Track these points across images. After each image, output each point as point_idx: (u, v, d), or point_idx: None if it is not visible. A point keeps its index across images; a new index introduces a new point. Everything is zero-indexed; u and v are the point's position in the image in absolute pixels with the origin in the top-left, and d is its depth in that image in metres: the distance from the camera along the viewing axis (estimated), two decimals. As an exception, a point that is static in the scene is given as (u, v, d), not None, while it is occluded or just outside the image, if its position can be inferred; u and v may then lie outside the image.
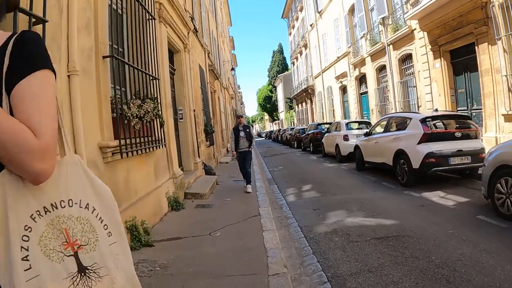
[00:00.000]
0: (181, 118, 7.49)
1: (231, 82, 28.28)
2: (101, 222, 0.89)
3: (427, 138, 5.94)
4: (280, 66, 51.42)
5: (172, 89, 7.16)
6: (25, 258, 0.72)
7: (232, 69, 23.74)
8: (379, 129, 8.06)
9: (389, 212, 4.67)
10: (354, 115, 18.13)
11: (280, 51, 52.32)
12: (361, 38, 16.02)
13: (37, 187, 0.77)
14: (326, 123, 16.71)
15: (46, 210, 0.78)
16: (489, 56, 8.35)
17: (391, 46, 13.17)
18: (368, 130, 8.82)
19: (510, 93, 7.70)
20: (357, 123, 12.25)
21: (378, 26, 14.06)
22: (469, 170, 6.39)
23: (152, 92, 4.59)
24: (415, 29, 11.40)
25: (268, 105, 57.62)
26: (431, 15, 10.08)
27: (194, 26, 9.25)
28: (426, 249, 3.29)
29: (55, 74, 0.83)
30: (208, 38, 13.92)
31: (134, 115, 3.53)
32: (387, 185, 6.57)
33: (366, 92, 16.67)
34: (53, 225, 0.78)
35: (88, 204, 0.87)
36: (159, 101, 4.72)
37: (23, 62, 0.76)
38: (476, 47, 8.74)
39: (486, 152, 4.88)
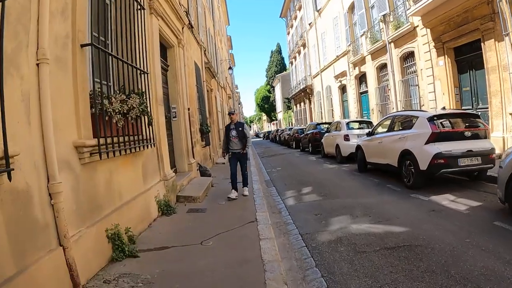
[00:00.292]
0: (175, 117, 7.12)
1: (228, 81, 27.88)
2: None
3: (435, 137, 5.58)
4: (278, 66, 51.11)
5: (165, 86, 6.79)
6: None
7: (230, 68, 23.31)
8: (382, 128, 7.71)
9: (397, 217, 4.30)
10: (353, 115, 17.77)
11: (278, 51, 52.05)
12: (361, 36, 15.68)
13: None
14: (326, 123, 16.36)
15: None
16: (496, 53, 8.04)
17: (392, 44, 12.84)
18: (370, 130, 8.45)
19: (519, 91, 7.39)
20: (358, 123, 11.90)
21: (379, 23, 13.73)
22: (478, 172, 6.07)
23: (141, 87, 4.21)
24: (417, 26, 11.06)
25: (266, 106, 57.28)
26: (434, 11, 9.76)
27: (189, 21, 8.87)
28: (443, 262, 2.93)
29: None
30: (205, 35, 13.55)
31: (116, 111, 3.15)
32: (392, 187, 6.21)
33: (366, 92, 16.33)
34: None
35: None
36: (148, 97, 4.35)
37: None
38: (482, 44, 8.41)
39: (497, 152, 4.58)
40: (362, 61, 15.93)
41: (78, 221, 2.78)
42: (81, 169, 2.87)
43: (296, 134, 19.25)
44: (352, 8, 16.88)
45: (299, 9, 28.02)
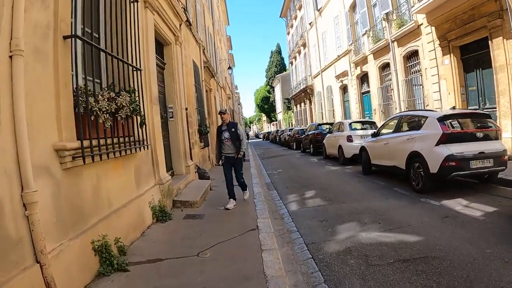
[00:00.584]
0: (172, 117, 6.81)
1: (228, 81, 27.58)
2: None
3: (446, 138, 5.28)
4: (278, 66, 50.82)
5: (161, 85, 6.50)
6: None
7: (229, 68, 23.00)
8: (388, 129, 7.40)
9: (409, 225, 4.00)
10: (355, 115, 17.47)
11: (278, 51, 51.76)
12: (363, 35, 15.39)
13: None
14: (327, 124, 16.06)
15: None
16: (504, 51, 7.77)
17: (395, 42, 12.55)
18: (375, 131, 8.15)
19: (530, 90, 7.11)
20: (361, 123, 11.57)
21: (382, 22, 13.45)
22: (488, 175, 5.77)
23: (133, 85, 3.92)
24: (421, 24, 10.78)
25: (266, 106, 56.97)
26: (439, 9, 9.48)
27: (187, 18, 8.58)
28: (465, 276, 2.64)
29: None
30: (204, 34, 13.25)
31: (103, 109, 2.84)
32: (400, 191, 5.90)
33: (368, 92, 16.03)
34: None
35: None
36: (141, 95, 4.05)
37: None
38: (489, 42, 8.14)
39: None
40: (364, 60, 15.64)
41: (59, 233, 2.48)
42: (62, 175, 2.57)
43: (297, 135, 18.94)
44: (353, 6, 16.60)
45: (299, 8, 27.75)
